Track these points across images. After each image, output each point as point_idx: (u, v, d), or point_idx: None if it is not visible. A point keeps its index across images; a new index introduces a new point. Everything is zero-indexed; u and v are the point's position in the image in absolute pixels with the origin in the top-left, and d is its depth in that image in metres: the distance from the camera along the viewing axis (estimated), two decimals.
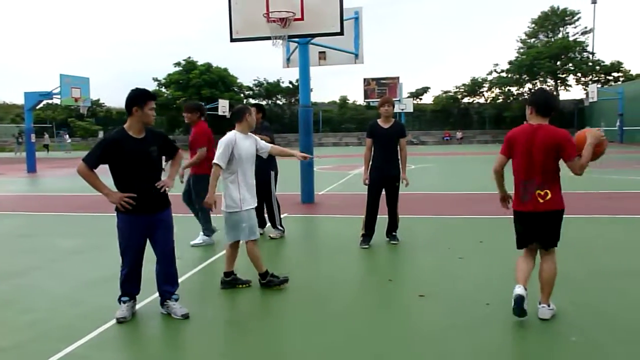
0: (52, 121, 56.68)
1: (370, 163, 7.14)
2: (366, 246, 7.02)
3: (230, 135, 5.27)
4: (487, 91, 54.56)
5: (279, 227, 7.80)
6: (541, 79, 51.69)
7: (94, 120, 57.00)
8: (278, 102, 57.49)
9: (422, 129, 54.75)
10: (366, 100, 44.97)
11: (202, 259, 6.64)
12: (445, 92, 55.85)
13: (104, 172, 4.32)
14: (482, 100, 55.31)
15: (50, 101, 28.40)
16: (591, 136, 4.20)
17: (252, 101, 58.43)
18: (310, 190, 11.68)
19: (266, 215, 7.82)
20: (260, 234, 7.52)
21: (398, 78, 43.21)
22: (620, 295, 4.93)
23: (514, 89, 52.61)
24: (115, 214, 4.56)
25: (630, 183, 13.89)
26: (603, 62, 50.70)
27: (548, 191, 4.24)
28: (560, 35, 53.63)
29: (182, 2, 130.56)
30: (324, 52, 13.16)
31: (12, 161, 32.71)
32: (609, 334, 4.05)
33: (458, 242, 7.21)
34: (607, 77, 50.69)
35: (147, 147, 4.48)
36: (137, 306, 4.79)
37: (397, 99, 42.16)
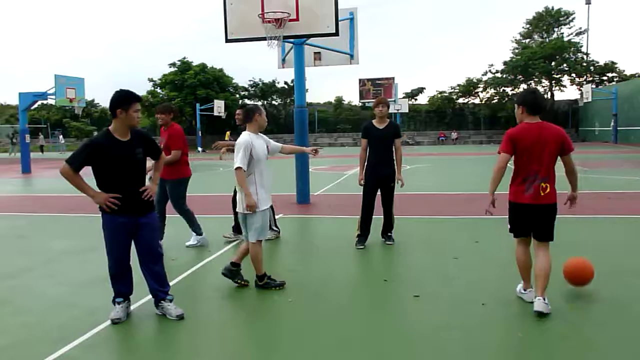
0: (46, 122, 56.50)
1: (366, 164, 7.15)
2: (361, 247, 7.03)
3: (246, 136, 5.29)
4: (482, 91, 54.62)
5: (274, 228, 7.74)
6: (536, 79, 51.78)
7: (89, 120, 56.87)
8: (273, 102, 57.45)
9: (417, 129, 54.83)
10: (361, 101, 45.02)
11: (197, 260, 6.62)
12: (440, 93, 55.89)
13: (87, 174, 4.29)
14: (477, 101, 55.38)
15: (44, 102, 28.38)
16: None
17: (247, 102, 58.38)
18: (306, 191, 11.69)
19: None
20: (242, 239, 7.46)
21: (393, 78, 43.26)
22: (616, 294, 4.94)
23: (508, 90, 52.65)
24: (99, 215, 4.54)
25: (625, 183, 13.94)
26: (597, 62, 50.87)
27: (549, 185, 4.48)
28: (554, 36, 53.75)
29: (177, 2, 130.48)
30: (319, 52, 13.18)
31: (6, 162, 32.57)
32: (604, 332, 4.07)
33: (453, 242, 7.23)
34: (602, 78, 50.84)
35: (132, 150, 4.46)
36: (132, 307, 4.78)
37: (393, 99, 42.21)
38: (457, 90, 55.02)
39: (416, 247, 7.07)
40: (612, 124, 40.17)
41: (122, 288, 4.61)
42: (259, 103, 57.55)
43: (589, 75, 50.57)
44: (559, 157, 4.53)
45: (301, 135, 11.69)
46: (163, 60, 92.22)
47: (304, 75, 11.83)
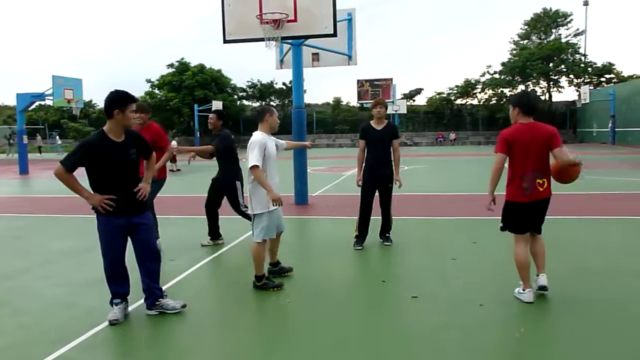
0: (44, 122, 56.42)
1: (364, 164, 7.15)
2: (360, 247, 7.03)
3: (259, 135, 5.36)
4: (480, 92, 54.67)
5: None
6: (534, 80, 51.85)
7: (87, 121, 56.77)
8: (271, 103, 57.42)
9: (415, 130, 54.86)
10: (360, 102, 44.97)
11: (196, 260, 6.61)
12: (439, 94, 55.93)
13: (80, 175, 4.28)
14: (475, 102, 55.44)
15: (42, 102, 28.30)
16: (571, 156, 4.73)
17: (246, 102, 58.36)
18: (304, 192, 11.69)
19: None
20: (217, 244, 7.46)
21: (391, 79, 43.23)
22: (615, 295, 4.95)
23: (506, 91, 52.70)
24: (95, 216, 4.54)
25: (623, 184, 13.96)
26: (595, 63, 50.93)
27: (545, 180, 4.73)
28: (552, 37, 53.83)
29: (175, 3, 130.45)
30: (317, 53, 13.18)
31: (4, 163, 32.51)
32: (603, 333, 4.07)
33: (451, 243, 7.23)
34: (600, 79, 50.93)
35: (127, 151, 4.46)
36: (130, 308, 4.77)
37: (391, 100, 42.18)
38: (455, 91, 55.05)
39: (414, 248, 7.07)
40: (609, 125, 40.23)
41: (118, 289, 4.61)
42: (257, 104, 57.59)
43: (586, 76, 50.63)
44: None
45: (299, 136, 11.68)
46: (161, 61, 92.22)
47: (302, 76, 11.83)
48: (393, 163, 7.13)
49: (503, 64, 52.38)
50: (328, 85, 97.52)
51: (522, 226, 4.84)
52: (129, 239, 4.62)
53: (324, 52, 12.82)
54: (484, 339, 4.10)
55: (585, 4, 50.34)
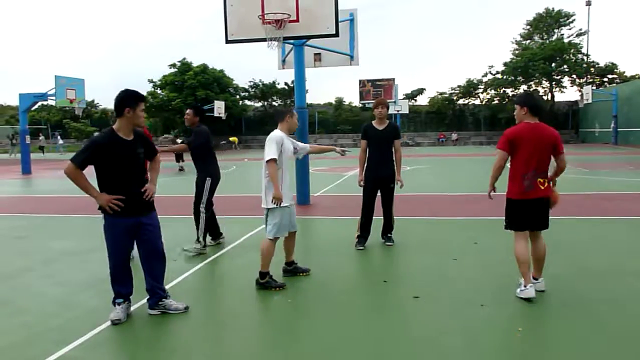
0: (47, 122, 56.51)
1: (365, 165, 7.15)
2: (361, 247, 7.03)
3: (278, 132, 5.51)
4: (482, 92, 54.60)
5: (200, 240, 7.02)
6: (536, 80, 51.76)
7: (89, 121, 56.86)
8: (273, 103, 57.42)
9: (417, 130, 54.79)
10: (362, 102, 45.02)
11: (198, 261, 6.62)
12: (441, 94, 55.90)
13: (90, 174, 4.30)
14: (477, 102, 55.36)
15: (45, 102, 28.34)
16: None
17: (248, 102, 58.34)
18: (306, 192, 11.69)
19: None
20: (219, 243, 7.45)
21: (393, 79, 43.23)
22: (616, 295, 4.94)
23: (509, 91, 52.65)
24: (102, 216, 4.55)
25: (624, 184, 13.94)
26: (597, 63, 50.85)
27: (545, 180, 4.84)
28: (555, 37, 53.76)
29: (178, 3, 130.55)
30: (319, 53, 13.18)
31: (6, 163, 32.57)
32: (600, 334, 4.07)
33: (453, 243, 7.23)
34: (602, 79, 50.83)
35: (135, 149, 4.50)
36: (132, 308, 4.78)
37: (393, 100, 42.19)
38: (457, 92, 55.00)
39: (416, 248, 7.07)
40: (612, 125, 40.14)
41: (122, 289, 4.62)
42: (259, 104, 57.58)
43: (589, 76, 50.55)
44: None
45: (301, 136, 11.64)
46: (163, 62, 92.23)
47: (304, 76, 11.84)
48: (395, 163, 7.13)
49: (505, 64, 52.30)
50: (330, 85, 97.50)
51: (523, 223, 4.92)
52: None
53: (326, 52, 12.82)
54: (486, 339, 4.10)
55: (588, 3, 50.25)
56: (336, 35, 10.12)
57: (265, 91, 56.43)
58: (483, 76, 54.07)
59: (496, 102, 52.95)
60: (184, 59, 51.24)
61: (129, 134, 4.47)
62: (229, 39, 10.36)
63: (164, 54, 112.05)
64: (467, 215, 9.49)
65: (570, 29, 53.89)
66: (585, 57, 51.01)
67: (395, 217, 7.33)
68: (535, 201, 4.84)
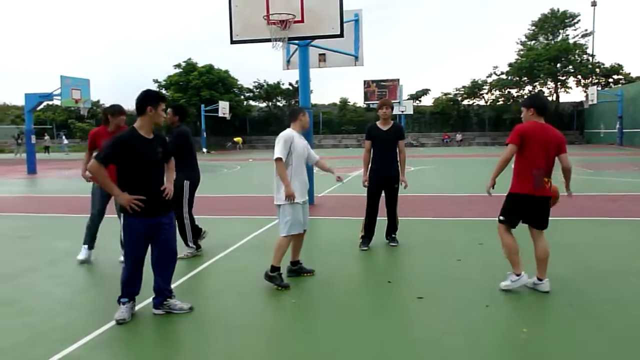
0: (52, 122, 56.69)
1: (370, 165, 7.15)
2: (365, 248, 7.03)
3: (288, 131, 5.62)
4: (486, 93, 54.53)
5: (190, 245, 6.84)
6: (541, 81, 51.65)
7: (94, 121, 57.02)
8: (278, 103, 57.48)
9: (421, 131, 54.76)
10: (366, 102, 44.96)
11: (201, 261, 6.63)
12: (445, 94, 55.85)
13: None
14: (481, 103, 55.29)
15: (50, 102, 28.43)
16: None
17: (252, 103, 58.41)
18: (310, 192, 11.68)
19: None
20: (203, 237, 7.08)
21: (398, 80, 43.22)
22: (620, 295, 4.92)
23: (513, 91, 52.58)
24: (120, 216, 4.55)
25: (629, 185, 13.89)
26: (603, 64, 50.69)
27: (549, 180, 4.99)
28: (560, 38, 53.64)
29: (183, 3, 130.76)
30: (324, 54, 13.17)
31: (12, 162, 32.70)
32: (606, 335, 4.05)
33: (457, 244, 7.22)
34: (607, 80, 50.68)
35: (156, 148, 4.57)
36: (136, 307, 4.78)
37: (397, 101, 42.17)
38: (462, 92, 54.93)
39: (420, 249, 7.06)
40: (617, 126, 40.03)
41: (131, 289, 4.64)
42: (264, 105, 57.61)
43: (594, 77, 50.40)
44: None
45: (306, 136, 11.65)
46: (168, 61, 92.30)
47: (309, 77, 11.83)
48: (399, 164, 7.12)
49: (510, 65, 52.21)
50: (334, 85, 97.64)
51: (518, 217, 5.08)
52: None
53: (331, 52, 12.81)
54: (490, 340, 4.09)
55: (594, 4, 50.16)
56: (341, 35, 10.12)
57: (269, 91, 56.49)
58: (488, 77, 54.07)
59: (501, 102, 52.87)
60: (189, 59, 51.38)
61: (149, 132, 4.54)
62: (233, 39, 10.37)
63: (167, 54, 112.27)
64: (471, 216, 9.47)
65: (575, 30, 53.82)
66: (590, 58, 50.88)
67: (399, 218, 7.32)
68: (540, 199, 4.96)
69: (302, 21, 9.99)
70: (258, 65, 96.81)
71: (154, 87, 51.55)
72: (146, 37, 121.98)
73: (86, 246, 6.74)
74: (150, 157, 4.52)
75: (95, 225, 6.74)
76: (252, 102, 58.23)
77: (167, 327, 4.49)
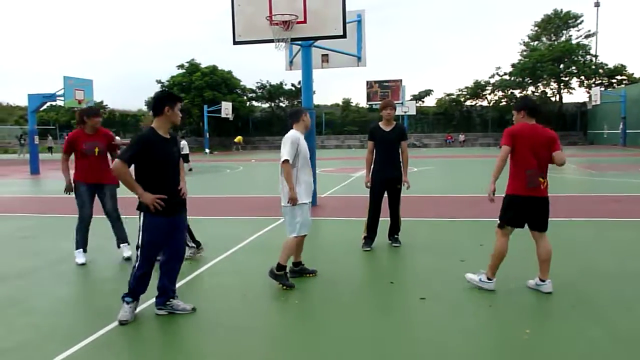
0: (55, 123, 56.82)
1: (372, 166, 7.15)
2: (368, 249, 7.03)
3: (295, 133, 5.57)
4: (489, 94, 54.49)
5: (190, 245, 6.69)
6: (544, 82, 51.58)
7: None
8: (281, 104, 57.52)
9: (424, 131, 54.74)
10: (369, 103, 45.03)
11: (204, 261, 6.63)
12: (448, 95, 55.82)
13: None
14: (484, 103, 55.27)
15: (53, 103, 28.50)
16: None
17: (255, 103, 58.42)
18: (313, 193, 11.66)
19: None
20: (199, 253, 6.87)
21: (401, 81, 43.27)
22: (623, 296, 4.91)
23: (516, 92, 52.52)
24: (140, 215, 4.54)
25: (633, 186, 13.85)
26: (606, 65, 50.58)
27: (546, 180, 5.04)
28: (563, 39, 53.57)
29: (186, 3, 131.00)
30: (326, 54, 13.17)
31: (15, 163, 32.78)
32: (609, 336, 4.05)
33: (460, 245, 7.21)
34: (611, 80, 50.55)
35: (172, 148, 4.65)
36: (139, 308, 4.79)
37: (400, 101, 42.18)
38: (465, 93, 54.89)
39: (422, 250, 7.06)
40: (620, 126, 39.95)
41: (141, 288, 4.66)
42: (266, 105, 57.65)
43: (597, 78, 50.29)
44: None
45: (308, 137, 11.63)
46: (171, 62, 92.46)
47: (312, 77, 11.84)
48: (402, 164, 7.12)
49: (513, 66, 52.15)
50: (337, 86, 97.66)
51: (516, 219, 5.06)
52: None
53: (334, 53, 12.81)
54: (493, 341, 4.09)
55: (597, 5, 50.07)
56: (344, 36, 10.12)
57: (272, 92, 56.53)
58: (490, 77, 54.02)
59: (504, 103, 52.79)
60: (192, 59, 51.42)
61: (166, 133, 4.60)
62: (236, 40, 10.39)
63: (172, 55, 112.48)
64: (474, 216, 9.45)
65: (578, 30, 53.78)
66: (593, 59, 50.78)
67: (402, 219, 7.32)
68: (536, 200, 4.98)
69: (304, 22, 10.00)
70: (261, 66, 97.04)
71: (157, 87, 51.72)
72: (150, 37, 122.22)
73: (81, 250, 6.76)
74: (168, 156, 4.59)
75: (86, 227, 6.78)
76: (255, 103, 58.31)
77: (169, 327, 4.50)
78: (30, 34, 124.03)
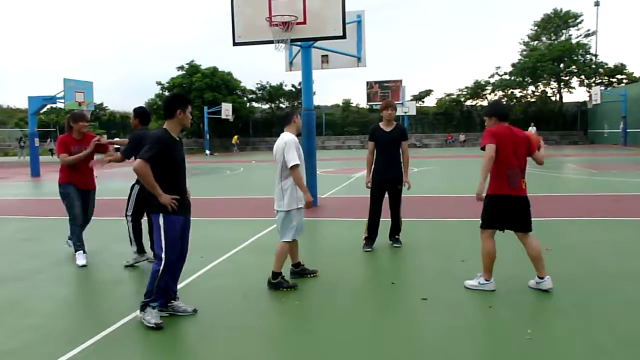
0: (55, 125, 56.84)
1: (373, 166, 7.14)
2: (369, 249, 7.02)
3: (292, 136, 5.51)
4: (490, 94, 54.48)
5: (134, 249, 6.63)
6: (544, 81, 51.57)
7: (97, 124, 57.15)
8: (281, 105, 57.52)
9: (424, 131, 54.73)
10: (369, 104, 44.98)
11: (204, 263, 6.62)
12: (448, 95, 55.82)
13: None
14: (484, 103, 55.22)
15: (54, 105, 28.52)
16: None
17: (255, 104, 58.44)
18: (313, 193, 11.67)
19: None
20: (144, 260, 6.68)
21: (401, 81, 43.23)
22: (624, 295, 4.91)
23: (516, 92, 52.52)
24: (158, 217, 4.51)
25: (634, 185, 13.83)
26: (606, 64, 50.56)
27: (525, 180, 5.14)
28: (563, 38, 53.55)
29: (186, 5, 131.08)
30: (326, 55, 13.19)
31: (16, 165, 32.79)
32: (611, 336, 4.04)
33: (461, 245, 7.21)
34: (611, 80, 50.53)
35: (182, 149, 4.76)
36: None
37: (400, 102, 42.15)
38: (465, 93, 54.88)
39: (424, 250, 7.06)
40: (621, 126, 39.90)
41: (167, 297, 4.69)
42: (266, 106, 57.66)
43: (597, 77, 50.27)
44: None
45: (308, 138, 11.66)
46: (172, 63, 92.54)
47: (312, 78, 11.84)
48: (402, 165, 7.12)
49: (513, 65, 52.14)
50: (337, 87, 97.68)
51: (498, 220, 5.17)
52: None
53: (334, 54, 12.83)
54: (494, 341, 4.08)
55: (597, 4, 50.01)
56: (343, 37, 10.13)
57: (272, 93, 56.55)
58: (490, 77, 54.02)
59: (504, 103, 52.76)
60: (192, 61, 51.44)
61: (176, 134, 4.67)
62: (236, 41, 10.40)
63: (172, 56, 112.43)
64: (474, 216, 9.41)
65: (578, 30, 53.73)
66: (593, 58, 50.75)
67: (402, 219, 7.31)
68: (518, 199, 5.07)
69: (304, 23, 10.01)
70: (261, 67, 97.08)
71: (156, 89, 51.72)
72: (150, 39, 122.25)
73: (81, 251, 6.76)
74: (181, 157, 4.69)
75: (82, 227, 6.87)
76: (255, 104, 58.31)
77: (171, 329, 4.49)
78: (30, 36, 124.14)
